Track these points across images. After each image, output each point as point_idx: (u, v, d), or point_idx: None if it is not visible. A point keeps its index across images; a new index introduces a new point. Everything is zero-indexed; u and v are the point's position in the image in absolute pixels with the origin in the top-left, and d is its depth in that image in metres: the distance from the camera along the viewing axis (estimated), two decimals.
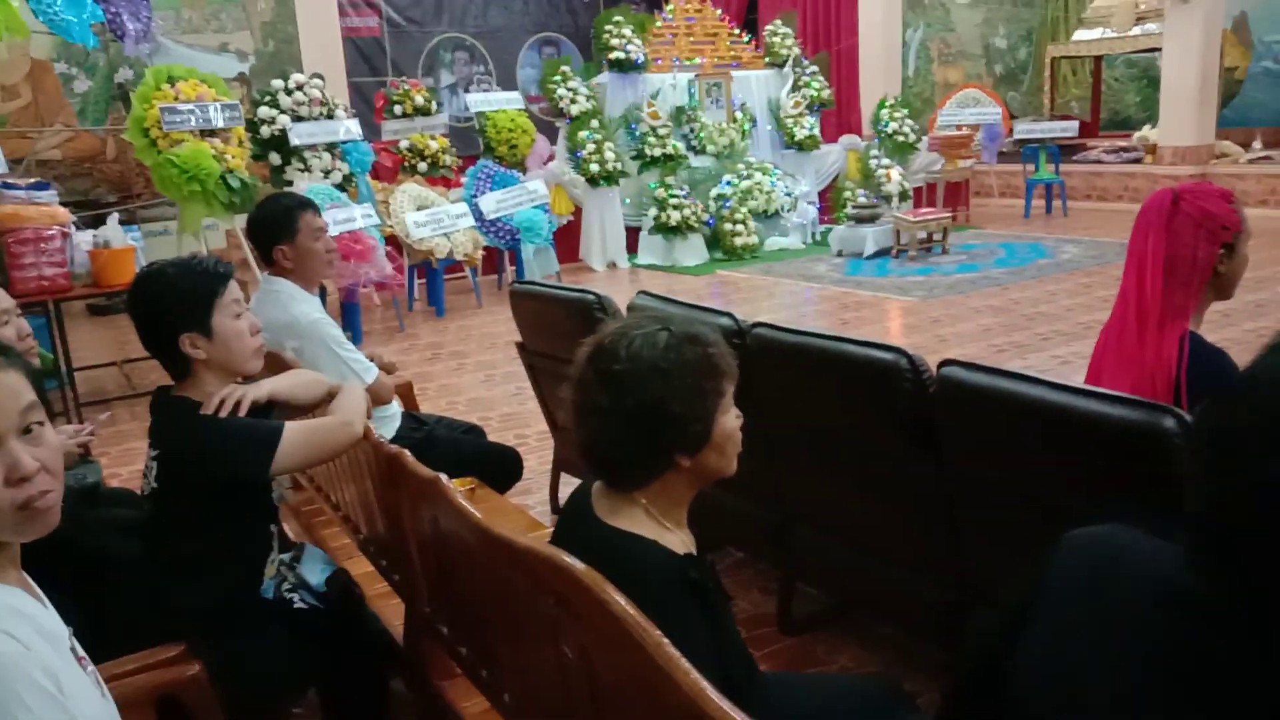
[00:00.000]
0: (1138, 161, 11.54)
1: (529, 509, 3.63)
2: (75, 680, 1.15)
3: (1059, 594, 0.91)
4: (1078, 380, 1.94)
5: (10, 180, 5.70)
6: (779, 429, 2.42)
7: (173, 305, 1.87)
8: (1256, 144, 11.21)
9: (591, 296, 3.03)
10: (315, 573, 1.94)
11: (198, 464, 1.82)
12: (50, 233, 5.20)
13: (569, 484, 3.66)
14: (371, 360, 2.87)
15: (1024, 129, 12.14)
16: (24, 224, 5.16)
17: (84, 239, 5.47)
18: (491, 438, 3.49)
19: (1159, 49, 11.40)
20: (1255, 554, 0.75)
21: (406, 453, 1.73)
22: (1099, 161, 11.95)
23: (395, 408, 3.01)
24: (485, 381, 5.69)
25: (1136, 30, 12.33)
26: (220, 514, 1.85)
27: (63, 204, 5.65)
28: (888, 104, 11.28)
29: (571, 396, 1.41)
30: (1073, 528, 1.80)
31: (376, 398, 2.60)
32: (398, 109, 8.30)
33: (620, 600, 1.10)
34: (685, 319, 1.44)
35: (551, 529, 2.48)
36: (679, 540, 1.38)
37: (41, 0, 6.26)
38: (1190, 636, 0.80)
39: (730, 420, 1.40)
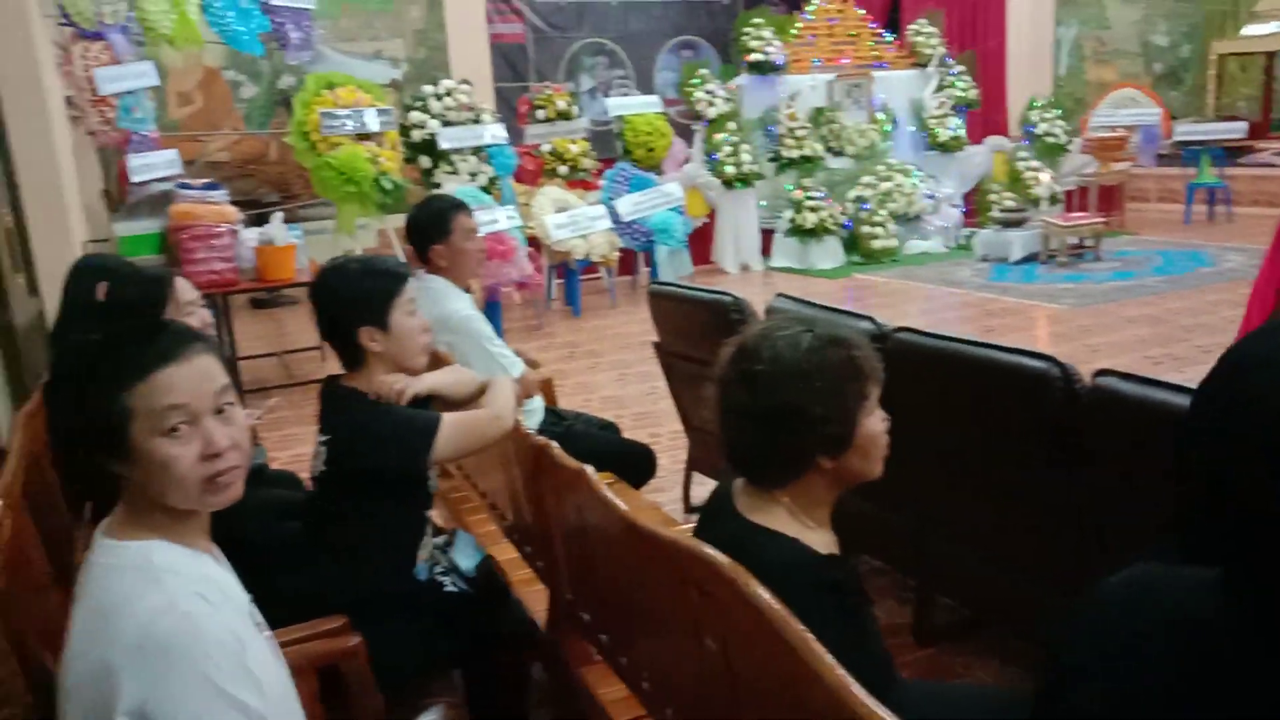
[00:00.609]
0: None
1: (661, 507, 3.68)
2: (256, 644, 1.25)
3: (1092, 636, 0.89)
4: None
5: (186, 180, 6.14)
6: (919, 435, 2.38)
7: (356, 299, 1.99)
8: None
9: (728, 298, 3.05)
10: (466, 558, 2.03)
11: (365, 449, 1.93)
12: (220, 230, 5.57)
13: (701, 484, 3.69)
14: (519, 356, 2.98)
15: (1185, 130, 11.47)
16: (197, 221, 5.55)
17: (249, 236, 5.84)
18: (625, 435, 3.56)
19: None
20: None
21: (553, 444, 1.80)
22: (1269, 165, 11.20)
23: (538, 402, 3.11)
24: (619, 380, 5.79)
25: None
26: (381, 499, 1.96)
27: (231, 203, 6.05)
28: (1038, 104, 10.88)
29: (714, 395, 1.44)
30: None
31: (526, 392, 2.69)
32: (540, 114, 8.51)
33: (765, 595, 1.12)
34: (829, 321, 1.45)
35: (684, 526, 2.52)
36: (821, 540, 1.39)
37: (216, 12, 6.71)
38: (1209, 640, 0.78)
39: (874, 423, 1.40)
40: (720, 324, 3.04)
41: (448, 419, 1.96)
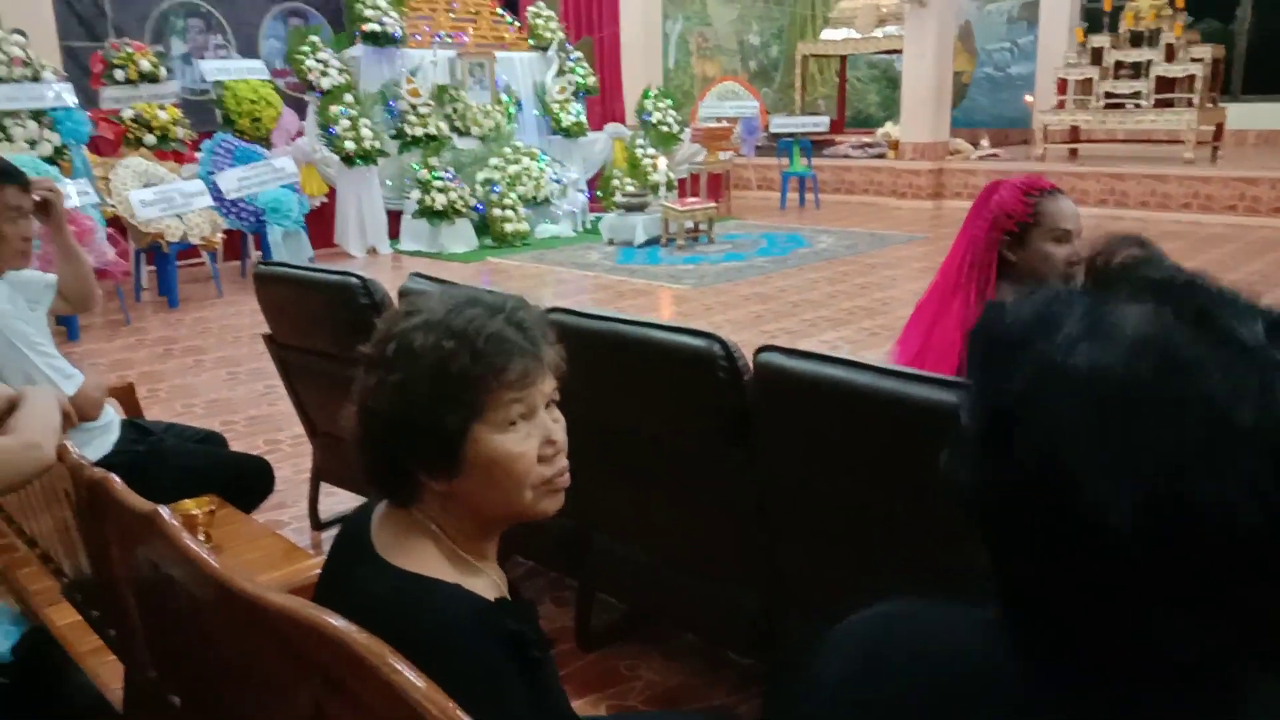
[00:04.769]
0: (882, 157, 12.21)
1: (283, 527, 3.19)
2: None
3: (830, 692, 0.70)
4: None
5: None
6: (576, 425, 2.16)
7: None
8: (984, 143, 12.16)
9: (355, 280, 2.65)
10: None
11: None
12: None
13: (331, 494, 3.25)
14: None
15: (779, 123, 12.55)
16: None
17: None
18: (237, 444, 3.03)
19: (899, 50, 12.09)
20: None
21: (113, 477, 1.33)
22: (847, 156, 12.55)
23: (112, 415, 2.50)
24: (228, 380, 5.08)
25: (878, 32, 13.05)
26: None
27: None
28: (651, 94, 11.30)
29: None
30: (905, 525, 1.65)
31: (82, 413, 2.09)
32: (119, 74, 7.35)
33: (417, 682, 0.80)
34: (510, 301, 1.13)
35: (314, 555, 2.11)
36: (488, 582, 1.08)
37: None
38: (993, 685, 0.64)
39: (507, 442, 1.07)
40: (346, 310, 2.64)
41: None
